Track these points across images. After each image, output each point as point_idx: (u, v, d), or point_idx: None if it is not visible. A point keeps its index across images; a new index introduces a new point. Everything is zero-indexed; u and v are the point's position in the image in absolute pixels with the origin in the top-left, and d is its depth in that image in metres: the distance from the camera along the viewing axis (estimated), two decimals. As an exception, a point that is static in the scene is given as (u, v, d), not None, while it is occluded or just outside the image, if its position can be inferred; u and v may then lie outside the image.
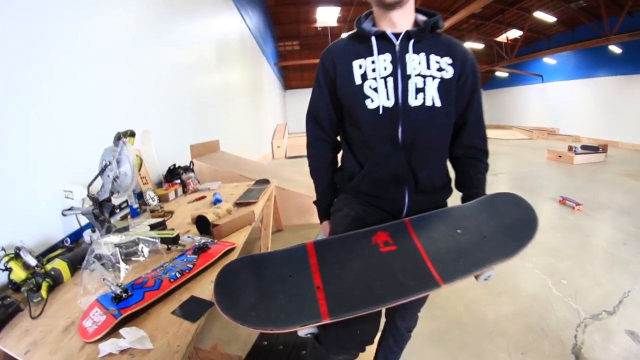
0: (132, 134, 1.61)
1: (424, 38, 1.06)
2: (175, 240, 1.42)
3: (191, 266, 1.18)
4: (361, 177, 1.13)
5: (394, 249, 0.90)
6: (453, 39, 1.13)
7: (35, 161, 1.56)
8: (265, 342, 1.86)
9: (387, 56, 1.04)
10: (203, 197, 2.42)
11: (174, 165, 2.82)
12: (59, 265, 1.24)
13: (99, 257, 1.20)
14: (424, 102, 1.03)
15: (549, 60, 18.45)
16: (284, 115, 18.64)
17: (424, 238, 0.93)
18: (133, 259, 1.33)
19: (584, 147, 9.67)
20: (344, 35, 1.11)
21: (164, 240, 1.41)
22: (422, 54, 1.05)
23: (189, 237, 1.44)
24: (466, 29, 17.45)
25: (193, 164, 3.15)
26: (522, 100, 22.55)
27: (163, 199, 2.41)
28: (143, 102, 2.72)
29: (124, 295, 0.97)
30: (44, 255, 1.40)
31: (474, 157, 1.18)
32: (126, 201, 2.01)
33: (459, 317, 2.23)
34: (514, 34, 16.94)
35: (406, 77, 1.03)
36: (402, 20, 1.07)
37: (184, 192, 2.66)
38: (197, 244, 1.34)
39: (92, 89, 2.05)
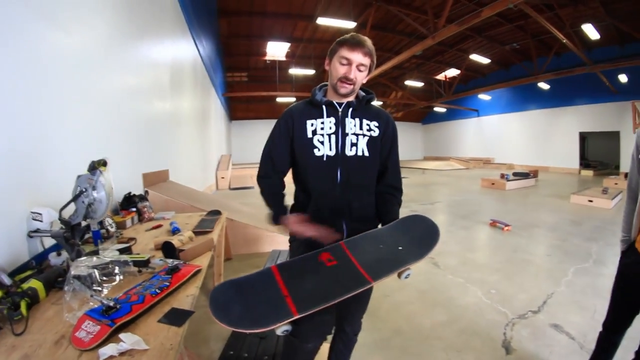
0: (104, 163, 1.70)
1: (360, 108, 1.48)
2: (146, 264, 1.53)
3: (168, 284, 1.30)
4: (311, 208, 1.44)
5: (335, 263, 1.24)
6: (380, 109, 1.58)
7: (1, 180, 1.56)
8: (232, 352, 2.07)
9: (332, 119, 1.45)
10: (160, 226, 2.49)
11: (130, 193, 2.85)
12: (36, 284, 1.29)
13: (77, 278, 1.27)
14: (356, 153, 1.43)
15: (484, 96, 20.14)
16: (229, 146, 18.51)
17: (356, 253, 1.28)
18: (108, 280, 1.41)
19: (515, 174, 10.61)
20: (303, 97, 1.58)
21: (136, 263, 1.51)
22: (357, 119, 1.46)
23: (160, 259, 1.55)
24: (408, 68, 18.65)
25: (148, 193, 3.19)
26: (459, 133, 24.13)
27: (120, 226, 2.44)
28: (100, 126, 2.73)
29: (116, 307, 1.07)
30: (12, 276, 1.41)
31: (391, 193, 1.55)
32: (88, 225, 2.04)
33: (399, 327, 2.47)
34: (452, 72, 18.30)
35: (344, 135, 1.43)
36: (348, 97, 1.48)
37: (140, 220, 2.69)
38: (169, 265, 1.47)
39: (48, 113, 2.00)
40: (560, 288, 3.00)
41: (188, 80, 6.83)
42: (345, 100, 1.47)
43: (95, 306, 1.11)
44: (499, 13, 8.52)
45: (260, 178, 1.54)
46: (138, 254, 1.76)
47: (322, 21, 9.59)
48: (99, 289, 1.31)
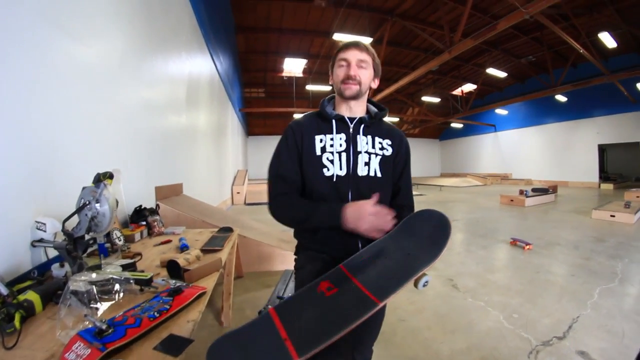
0: (110, 176, 1.67)
1: (373, 124, 1.41)
2: (148, 282, 1.45)
3: (168, 307, 1.21)
4: (322, 231, 1.34)
5: (336, 291, 1.11)
6: (393, 126, 1.48)
7: (5, 186, 1.55)
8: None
9: (343, 136, 1.37)
10: (169, 241, 2.42)
11: (140, 206, 2.82)
12: (32, 297, 1.23)
13: (75, 293, 1.21)
14: (368, 173, 1.34)
15: (501, 111, 19.95)
16: (245, 162, 18.66)
17: (358, 274, 1.14)
18: (107, 297, 1.34)
19: (534, 189, 10.34)
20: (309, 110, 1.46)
21: (138, 282, 1.44)
22: (369, 136, 1.38)
23: (162, 280, 1.47)
24: (424, 83, 18.69)
25: (159, 207, 3.15)
26: (476, 149, 23.90)
27: (129, 239, 2.40)
28: (114, 139, 2.73)
29: (108, 330, 1.00)
30: (12, 285, 1.38)
31: (401, 212, 1.38)
32: (95, 238, 2.00)
33: (415, 354, 2.31)
34: (469, 87, 18.24)
35: (357, 153, 1.35)
36: (357, 107, 1.42)
37: (149, 234, 2.65)
38: (171, 286, 1.39)
39: (61, 122, 2.01)
40: (586, 311, 2.81)
41: (204, 95, 6.88)
42: (357, 115, 1.40)
43: (90, 326, 1.04)
44: (514, 25, 8.53)
45: (273, 198, 1.39)
46: (142, 271, 1.69)
47: (338, 37, 9.62)
48: (97, 306, 1.25)
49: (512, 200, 9.70)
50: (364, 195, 1.30)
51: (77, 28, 2.18)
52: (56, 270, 1.58)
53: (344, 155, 1.34)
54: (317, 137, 1.37)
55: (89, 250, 1.98)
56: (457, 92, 19.59)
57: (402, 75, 13.21)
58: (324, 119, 1.41)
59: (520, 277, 3.70)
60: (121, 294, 1.37)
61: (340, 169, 1.33)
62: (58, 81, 1.98)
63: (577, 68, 14.56)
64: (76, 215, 1.56)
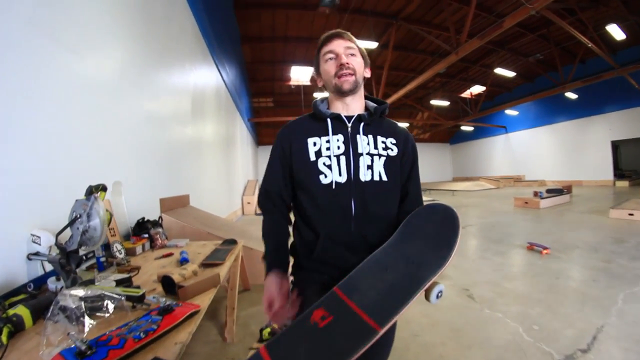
0: (103, 189, 1.62)
1: (373, 122, 1.25)
2: (140, 299, 1.38)
3: (155, 327, 1.14)
4: (320, 248, 1.18)
5: (331, 319, 0.96)
6: (396, 123, 1.33)
7: (2, 199, 1.55)
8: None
9: (340, 137, 1.20)
10: (170, 254, 2.36)
11: (143, 218, 2.77)
12: (22, 311, 1.20)
13: (63, 309, 1.17)
14: (372, 177, 1.17)
15: (511, 112, 19.73)
16: (256, 171, 18.69)
17: (354, 296, 0.99)
18: (97, 314, 1.28)
19: (549, 190, 10.11)
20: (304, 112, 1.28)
21: (129, 298, 1.37)
22: (370, 136, 1.22)
23: (153, 297, 1.40)
24: (432, 87, 18.60)
25: (162, 219, 3.10)
26: (487, 151, 23.64)
27: (130, 252, 2.36)
28: (116, 151, 2.71)
29: (88, 352, 0.94)
30: (5, 299, 1.36)
31: None
32: (93, 251, 1.96)
33: (430, 372, 2.18)
34: (478, 89, 18.07)
35: (357, 155, 1.18)
36: (355, 104, 1.26)
37: (152, 247, 2.60)
38: (161, 305, 1.31)
39: (64, 135, 2.05)
40: (611, 319, 2.63)
41: (211, 105, 6.89)
42: (355, 113, 1.24)
43: (72, 345, 0.98)
44: (520, 23, 8.40)
45: (262, 213, 1.31)
46: (138, 286, 1.62)
47: (343, 43, 9.58)
48: (88, 323, 1.19)
49: (526, 203, 9.47)
50: (368, 205, 1.16)
51: (73, 40, 2.17)
52: (52, 283, 1.55)
53: (342, 158, 1.17)
54: (310, 140, 1.21)
55: (90, 263, 1.96)
56: (466, 94, 19.38)
57: (410, 80, 13.12)
58: (317, 119, 1.26)
59: (539, 284, 3.53)
60: (111, 311, 1.31)
61: (340, 174, 1.16)
62: (56, 94, 1.98)
63: (586, 64, 14.32)
64: (69, 229, 1.52)
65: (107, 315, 1.29)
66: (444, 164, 27.90)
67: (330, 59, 1.20)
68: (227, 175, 8.80)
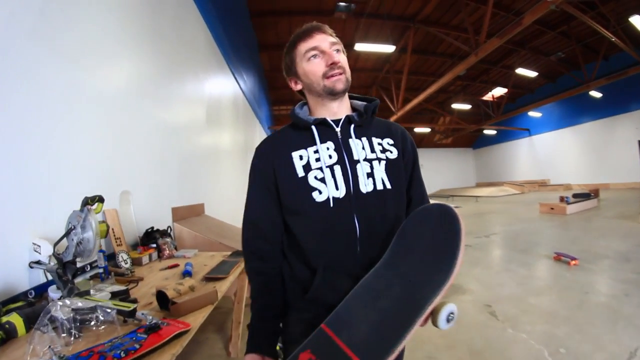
0: (100, 200, 1.62)
1: (365, 123, 1.08)
2: (131, 314, 1.33)
3: (138, 347, 1.08)
4: (317, 286, 0.97)
5: None
6: (388, 121, 1.17)
7: (8, 207, 1.57)
8: None
9: (330, 144, 1.03)
10: (176, 266, 2.31)
11: (152, 228, 2.76)
12: (15, 319, 1.21)
13: (52, 320, 1.15)
14: (375, 187, 0.99)
15: (534, 114, 19.25)
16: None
17: (344, 334, 0.81)
18: (88, 326, 1.26)
19: (575, 195, 9.78)
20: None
21: (120, 312, 1.32)
22: (364, 138, 1.05)
23: (142, 313, 1.33)
24: (453, 91, 18.35)
25: (171, 229, 3.08)
26: (511, 156, 23.13)
27: (136, 262, 2.34)
28: (127, 160, 2.71)
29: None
30: (4, 305, 1.36)
31: None
32: (96, 260, 1.97)
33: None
34: (499, 91, 17.73)
35: (354, 163, 1.00)
36: (341, 107, 1.09)
37: (160, 257, 2.57)
38: (148, 323, 1.25)
39: (76, 143, 2.07)
40: (646, 341, 2.42)
41: (228, 114, 6.90)
42: (342, 115, 1.07)
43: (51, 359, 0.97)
44: (540, 20, 8.20)
45: (248, 263, 1.09)
46: (134, 299, 1.59)
47: (360, 47, 9.54)
48: (73, 335, 1.16)
49: (552, 209, 9.11)
50: (375, 221, 0.97)
51: (78, 53, 2.17)
52: (53, 292, 1.55)
53: (337, 168, 0.99)
54: (295, 154, 1.02)
55: (94, 272, 1.98)
56: (487, 97, 18.99)
57: (430, 84, 12.91)
58: (300, 128, 1.08)
59: (566, 299, 3.31)
60: (102, 324, 1.27)
61: (337, 188, 0.97)
62: (61, 106, 1.98)
63: (609, 61, 13.76)
64: (65, 239, 1.52)
65: (95, 328, 1.25)
66: (467, 170, 27.33)
67: (314, 56, 1.03)
68: (245, 184, 8.68)
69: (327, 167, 0.99)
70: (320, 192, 0.97)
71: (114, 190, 2.50)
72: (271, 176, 1.04)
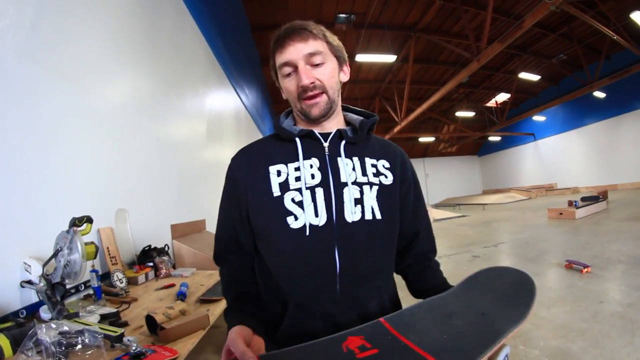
0: (88, 220, 1.59)
1: (358, 140, 0.94)
2: (118, 339, 1.27)
3: (119, 376, 1.02)
4: (288, 324, 0.85)
5: (376, 352, 0.69)
6: (385, 140, 1.03)
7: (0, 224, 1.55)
8: None
9: (315, 161, 0.89)
10: (172, 285, 2.24)
11: (149, 246, 2.71)
12: (1, 341, 1.18)
13: (38, 343, 1.12)
14: (362, 216, 0.86)
15: (538, 118, 19.17)
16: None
17: (410, 334, 0.74)
18: (73, 350, 1.21)
19: (583, 198, 9.60)
20: None
21: (106, 337, 1.26)
22: (356, 158, 0.91)
23: (129, 339, 1.27)
24: (457, 99, 18.35)
25: (168, 247, 3.02)
26: (516, 161, 22.97)
27: (132, 281, 2.29)
28: (125, 177, 2.68)
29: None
30: None
31: (425, 260, 1.02)
32: (89, 280, 1.93)
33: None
34: (503, 97, 17.70)
35: (340, 186, 0.86)
36: (331, 122, 0.96)
37: (156, 276, 2.51)
38: (132, 350, 1.19)
39: (72, 160, 2.07)
40: (666, 354, 2.27)
41: (229, 128, 6.89)
42: (332, 130, 0.93)
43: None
44: (540, 23, 8.22)
45: (216, 259, 1.00)
46: (125, 322, 1.54)
47: (361, 57, 9.57)
48: (60, 359, 1.12)
49: (561, 214, 8.91)
50: (360, 256, 0.85)
51: (72, 71, 2.15)
52: (44, 312, 1.54)
53: (319, 192, 0.85)
54: (273, 169, 0.89)
55: (87, 292, 1.96)
56: (491, 103, 18.91)
57: (433, 92, 12.91)
58: (283, 139, 0.94)
59: (581, 310, 3.16)
60: (88, 349, 1.22)
61: (316, 214, 0.83)
62: (55, 124, 1.97)
63: (611, 60, 13.64)
64: (54, 260, 1.49)
65: (82, 353, 1.20)
66: (473, 177, 27.10)
67: (288, 74, 0.89)
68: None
69: (307, 188, 0.85)
70: (296, 218, 0.84)
71: (111, 208, 2.46)
72: (242, 190, 0.91)
